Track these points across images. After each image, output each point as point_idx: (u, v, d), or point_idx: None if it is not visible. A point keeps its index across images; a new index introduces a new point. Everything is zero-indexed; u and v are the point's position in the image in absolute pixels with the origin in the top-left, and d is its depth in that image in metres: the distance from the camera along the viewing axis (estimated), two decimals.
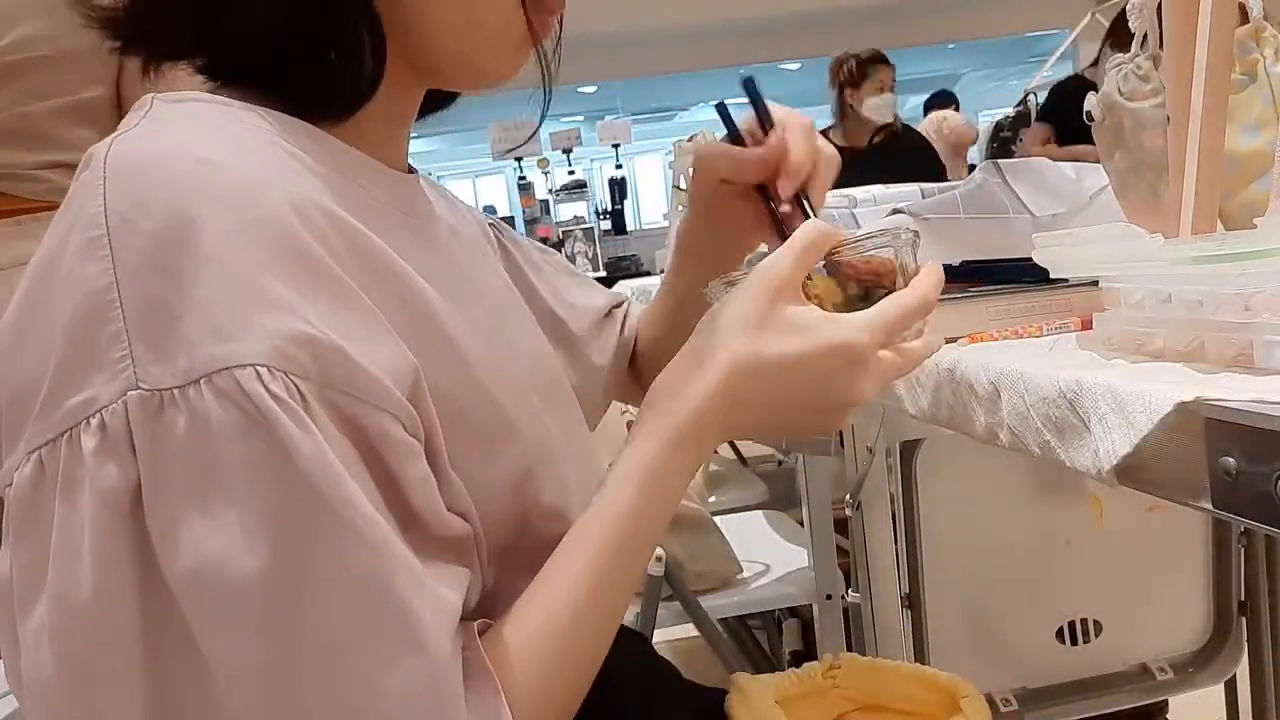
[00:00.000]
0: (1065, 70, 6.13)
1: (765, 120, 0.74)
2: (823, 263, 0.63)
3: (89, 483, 0.45)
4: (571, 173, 8.23)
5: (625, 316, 0.93)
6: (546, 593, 0.55)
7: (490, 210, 9.40)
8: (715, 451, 2.16)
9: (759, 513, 2.11)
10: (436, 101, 0.70)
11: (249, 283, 0.46)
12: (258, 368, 0.45)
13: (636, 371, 0.94)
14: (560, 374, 0.73)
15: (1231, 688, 1.60)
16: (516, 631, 0.53)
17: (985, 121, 5.92)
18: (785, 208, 0.73)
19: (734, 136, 0.76)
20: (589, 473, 0.67)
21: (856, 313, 0.59)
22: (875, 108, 3.87)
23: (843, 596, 1.64)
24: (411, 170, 0.68)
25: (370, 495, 0.48)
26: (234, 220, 0.47)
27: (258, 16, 0.56)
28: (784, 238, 0.63)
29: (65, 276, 0.48)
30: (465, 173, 10.38)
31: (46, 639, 0.46)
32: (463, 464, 0.54)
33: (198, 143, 0.51)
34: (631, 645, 0.80)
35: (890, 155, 3.88)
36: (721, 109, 0.76)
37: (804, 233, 0.61)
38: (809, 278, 0.62)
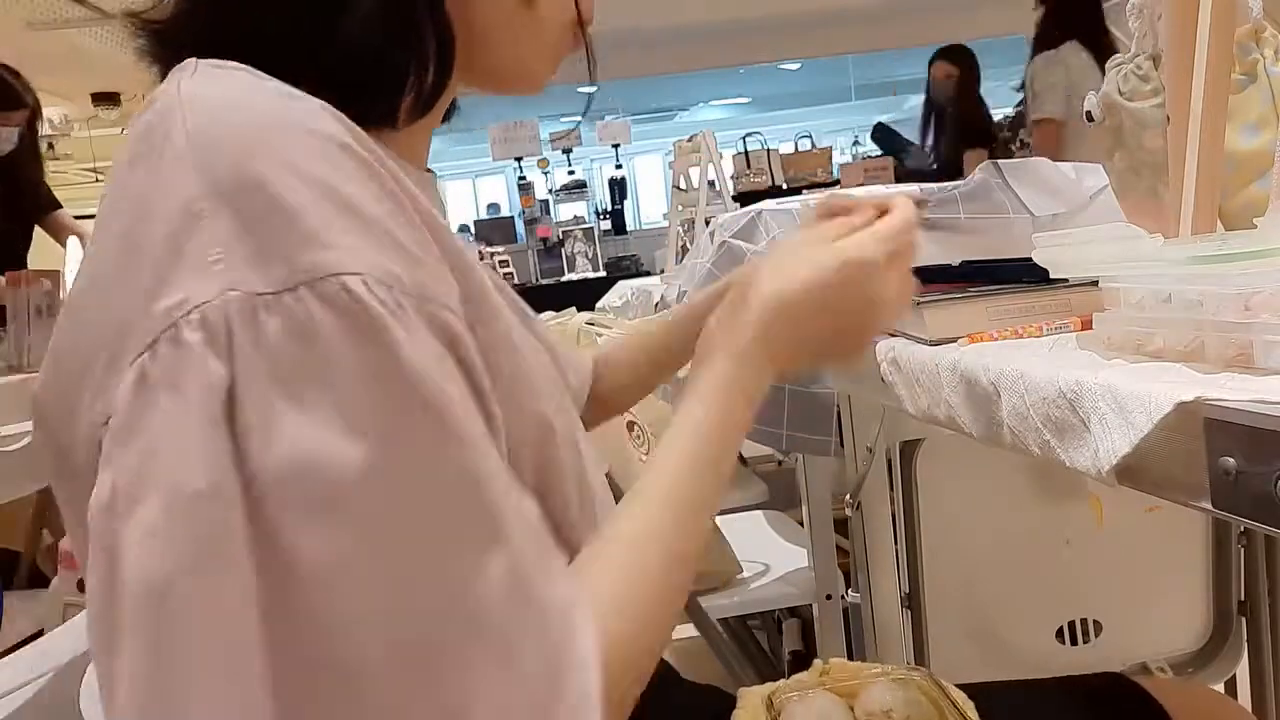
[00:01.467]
0: None
1: None
2: None
3: (195, 375, 0.45)
4: (571, 173, 8.22)
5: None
6: (629, 506, 0.58)
7: (494, 208, 9.42)
8: None
9: (759, 513, 2.11)
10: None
11: (341, 196, 0.48)
12: (365, 277, 0.46)
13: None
14: (560, 378, 0.73)
15: (1231, 688, 1.60)
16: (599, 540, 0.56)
17: None
18: None
19: None
20: (598, 464, 0.68)
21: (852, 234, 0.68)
22: None
23: (843, 596, 1.64)
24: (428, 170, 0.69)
25: (465, 400, 0.49)
26: (315, 140, 0.49)
27: (355, 40, 0.57)
28: None
29: (155, 197, 0.48)
30: (465, 173, 10.38)
31: (159, 535, 0.44)
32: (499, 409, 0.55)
33: (260, 88, 0.53)
34: None
35: None
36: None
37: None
38: None
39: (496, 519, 0.47)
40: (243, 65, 0.56)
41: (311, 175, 0.48)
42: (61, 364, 0.52)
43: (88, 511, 0.46)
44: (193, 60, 0.56)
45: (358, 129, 0.55)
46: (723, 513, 1.93)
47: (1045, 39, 3.75)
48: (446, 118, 0.73)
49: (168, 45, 0.60)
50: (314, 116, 0.51)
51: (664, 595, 0.56)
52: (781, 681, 0.83)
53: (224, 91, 0.52)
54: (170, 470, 0.44)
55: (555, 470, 0.59)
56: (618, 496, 0.60)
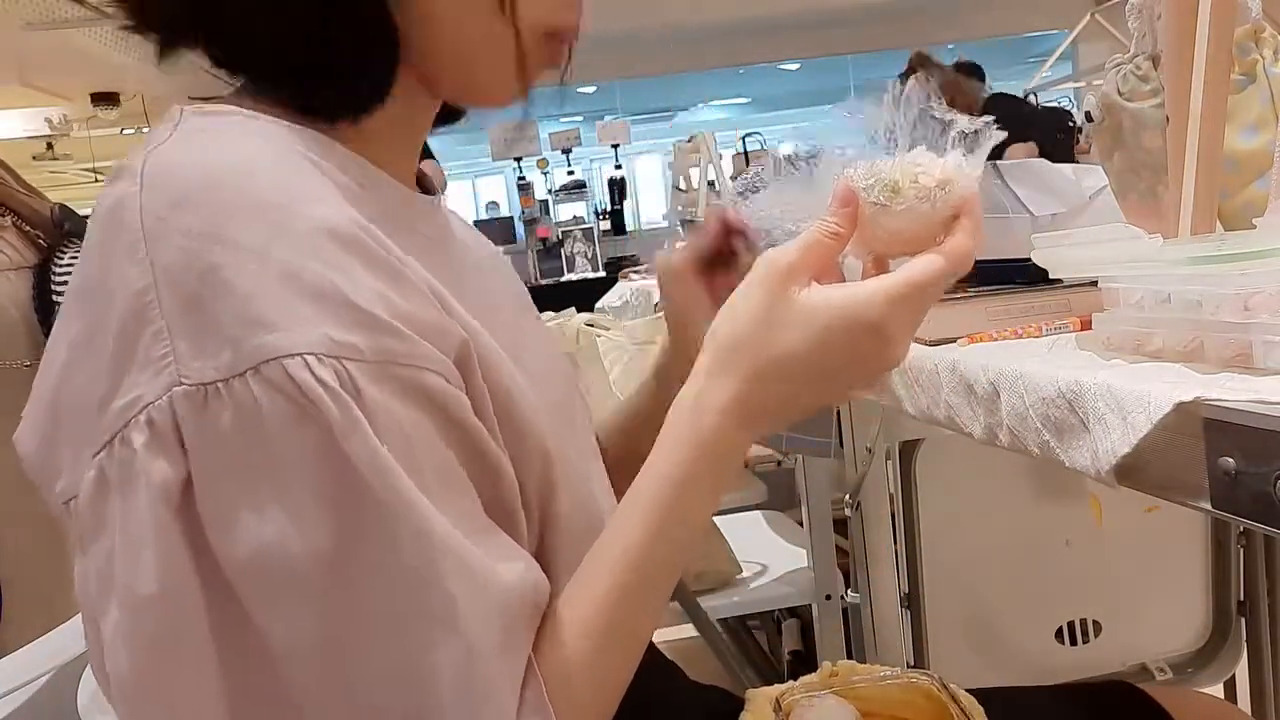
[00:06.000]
0: (1065, 70, 6.12)
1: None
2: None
3: (143, 478, 0.47)
4: (571, 173, 8.21)
5: None
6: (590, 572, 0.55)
7: (493, 206, 9.40)
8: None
9: (758, 513, 2.11)
10: (446, 115, 0.71)
11: (289, 273, 0.47)
12: (305, 356, 0.46)
13: None
14: (576, 392, 0.73)
15: (1231, 688, 1.60)
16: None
17: None
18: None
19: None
20: (606, 488, 0.68)
21: (878, 284, 0.56)
22: None
23: (842, 597, 1.64)
24: (429, 191, 0.68)
25: (440, 464, 0.49)
26: (270, 215, 0.48)
27: (284, 14, 0.56)
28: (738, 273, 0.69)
29: (112, 286, 0.49)
30: (465, 173, 10.37)
31: (121, 636, 0.47)
32: None
33: (231, 151, 0.52)
34: None
35: None
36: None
37: (810, 232, 0.58)
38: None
39: (447, 607, 0.47)
40: (228, 108, 0.55)
41: (266, 255, 0.47)
42: (42, 425, 0.54)
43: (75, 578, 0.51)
44: (177, 110, 0.56)
45: (337, 156, 0.55)
46: (722, 513, 1.93)
47: None
48: (448, 121, 0.71)
49: (132, 16, 0.59)
50: (278, 183, 0.50)
51: (622, 667, 0.55)
52: (790, 683, 0.83)
53: (188, 168, 0.51)
54: (124, 575, 0.47)
55: (555, 495, 0.59)
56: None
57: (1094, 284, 0.80)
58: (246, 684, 0.47)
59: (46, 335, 1.12)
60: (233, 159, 0.51)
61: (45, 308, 1.14)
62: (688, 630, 1.66)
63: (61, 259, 1.16)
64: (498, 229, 8.02)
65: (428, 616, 0.47)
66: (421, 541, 0.47)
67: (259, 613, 0.47)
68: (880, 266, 0.61)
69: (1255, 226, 0.64)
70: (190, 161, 0.51)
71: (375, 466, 0.46)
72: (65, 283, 1.14)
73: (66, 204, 1.26)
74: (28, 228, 1.18)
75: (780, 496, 2.16)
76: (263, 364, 0.46)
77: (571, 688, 0.51)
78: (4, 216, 1.17)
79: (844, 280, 0.59)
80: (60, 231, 1.19)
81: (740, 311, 0.57)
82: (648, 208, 9.81)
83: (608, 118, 7.78)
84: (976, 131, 0.59)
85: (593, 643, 0.53)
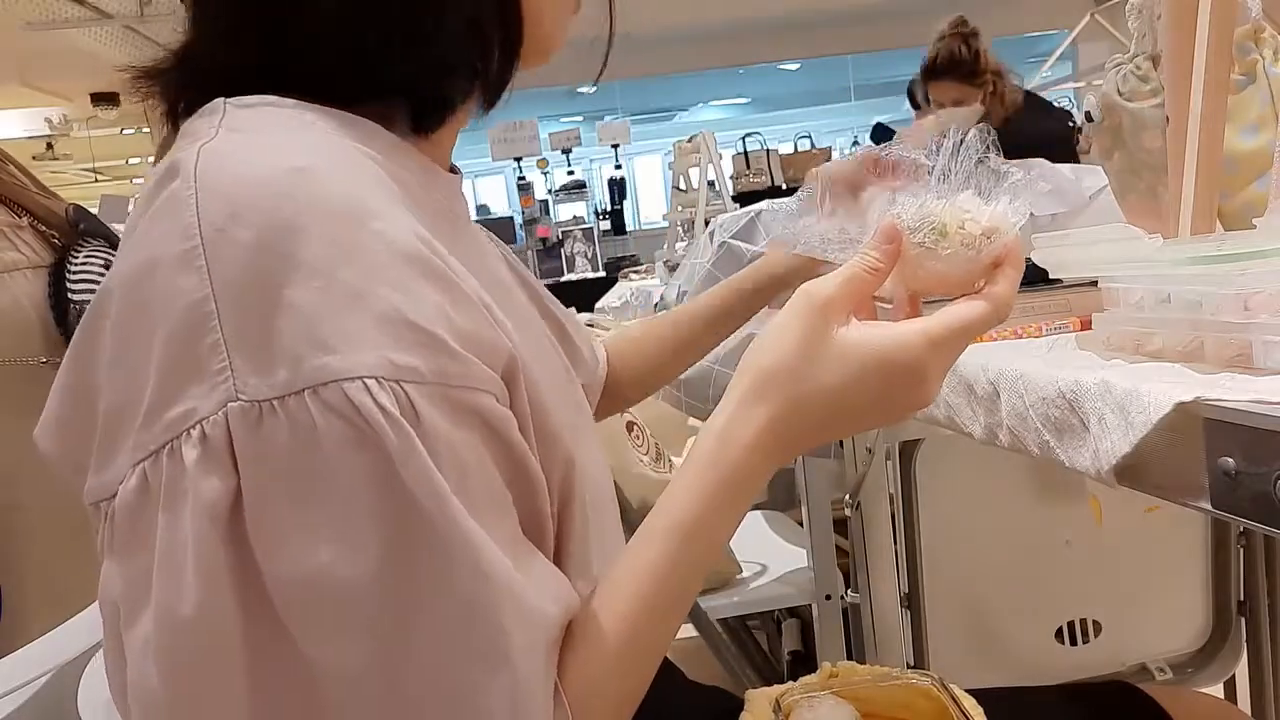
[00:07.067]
0: (1065, 70, 6.12)
1: None
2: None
3: (191, 494, 0.45)
4: (571, 173, 8.22)
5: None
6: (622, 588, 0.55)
7: (484, 210, 9.41)
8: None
9: (758, 513, 2.11)
10: None
11: (354, 293, 0.46)
12: (366, 380, 0.45)
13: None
14: (574, 381, 0.73)
15: (1231, 688, 1.60)
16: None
17: None
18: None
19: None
20: (607, 485, 0.68)
21: (920, 326, 0.56)
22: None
23: (842, 597, 1.64)
24: (455, 170, 0.68)
25: (491, 486, 0.49)
26: (334, 227, 0.47)
27: (434, 58, 0.56)
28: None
29: (162, 290, 0.47)
30: (465, 173, 10.41)
31: (152, 652, 0.46)
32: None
33: (286, 150, 0.50)
34: None
35: None
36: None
37: (851, 266, 0.58)
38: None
39: (499, 640, 0.47)
40: (271, 99, 0.54)
41: (330, 274, 0.46)
42: (67, 418, 0.52)
43: (98, 584, 0.49)
44: (220, 103, 0.54)
45: (378, 141, 0.55)
46: None
47: None
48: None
49: (202, 84, 0.57)
50: (341, 189, 0.49)
51: (639, 681, 0.54)
52: (789, 684, 0.83)
53: (245, 169, 0.49)
54: (163, 593, 0.46)
55: (573, 499, 0.58)
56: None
57: (1094, 284, 0.80)
58: (279, 711, 0.46)
59: (61, 333, 1.13)
60: (291, 160, 0.49)
61: (60, 306, 1.15)
62: (688, 630, 1.66)
63: (76, 258, 1.17)
64: (496, 229, 8.02)
65: (480, 649, 0.46)
66: (475, 572, 0.46)
67: (304, 638, 0.46)
68: (914, 304, 0.61)
69: (1255, 226, 0.64)
70: (247, 162, 0.49)
71: (431, 493, 0.46)
72: (80, 282, 1.15)
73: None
74: (44, 228, 1.19)
75: (780, 496, 2.16)
76: (321, 385, 0.45)
77: (593, 704, 0.51)
78: (21, 217, 1.17)
79: (875, 313, 0.59)
80: (75, 231, 1.20)
81: (778, 343, 0.56)
82: (648, 208, 9.82)
83: (608, 118, 7.79)
84: (1028, 185, 0.60)
85: (614, 659, 0.52)
